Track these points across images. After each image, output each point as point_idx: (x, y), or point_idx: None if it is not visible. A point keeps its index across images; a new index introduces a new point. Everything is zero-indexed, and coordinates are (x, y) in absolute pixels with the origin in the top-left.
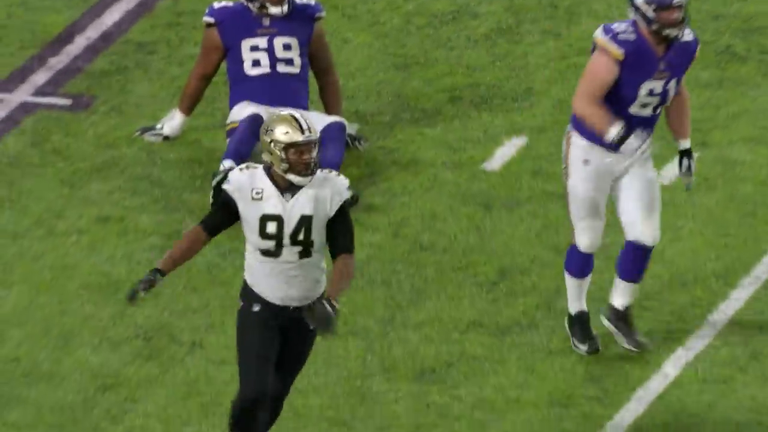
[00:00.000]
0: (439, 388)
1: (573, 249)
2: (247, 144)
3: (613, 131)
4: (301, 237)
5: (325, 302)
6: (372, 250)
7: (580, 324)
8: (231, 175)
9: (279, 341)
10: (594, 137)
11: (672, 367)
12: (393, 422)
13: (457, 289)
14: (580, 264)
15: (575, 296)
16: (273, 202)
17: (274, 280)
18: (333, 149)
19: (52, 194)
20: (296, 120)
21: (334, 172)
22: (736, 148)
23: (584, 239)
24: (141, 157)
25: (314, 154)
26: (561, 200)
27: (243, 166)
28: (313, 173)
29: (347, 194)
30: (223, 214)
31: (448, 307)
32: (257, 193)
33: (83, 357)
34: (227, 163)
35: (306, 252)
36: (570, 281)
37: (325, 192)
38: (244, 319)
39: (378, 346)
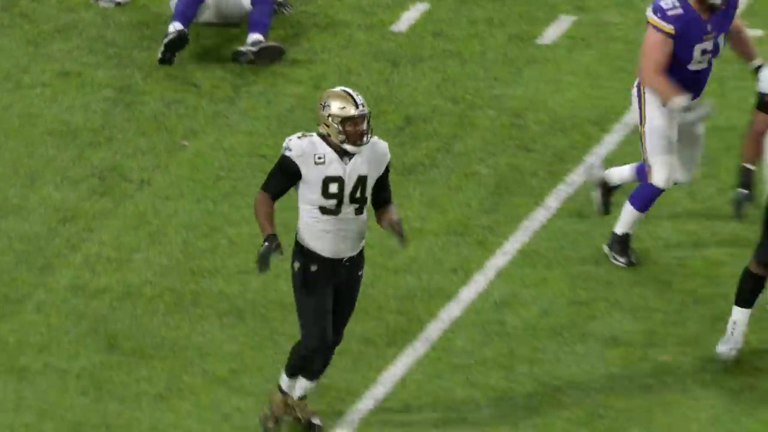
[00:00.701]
0: None
1: (645, 185)
2: (192, 7)
3: (678, 101)
4: (358, 195)
5: (399, 223)
6: (295, 100)
7: (623, 244)
8: (292, 143)
9: (332, 294)
10: None
11: (554, 200)
12: None
13: None
14: (646, 200)
15: (627, 224)
16: (334, 165)
17: (331, 236)
18: (261, 12)
19: (20, 52)
20: (350, 95)
21: (376, 137)
22: (609, 11)
23: (662, 174)
24: (97, 20)
25: (366, 125)
26: (458, 57)
27: (300, 134)
28: (366, 142)
29: (389, 156)
30: (285, 178)
31: None
32: (319, 158)
33: (47, 193)
34: (176, 25)
35: (360, 209)
36: (630, 212)
37: (374, 155)
38: (303, 278)
39: None
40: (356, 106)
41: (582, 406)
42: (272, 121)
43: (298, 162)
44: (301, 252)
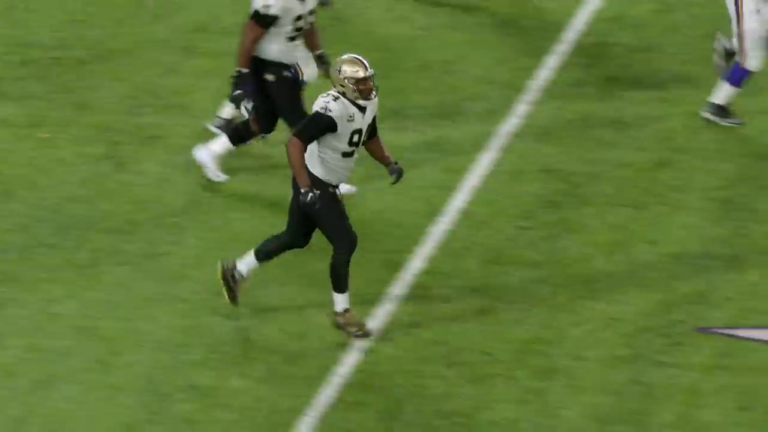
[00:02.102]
0: None
1: (740, 67)
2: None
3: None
4: (365, 139)
5: (398, 165)
6: None
7: (723, 110)
8: (331, 105)
9: None
10: None
11: None
12: None
13: None
14: (742, 79)
15: (727, 98)
16: (358, 119)
17: (344, 171)
18: None
19: None
20: (360, 60)
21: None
22: None
23: (755, 63)
24: None
25: (373, 83)
26: None
27: (331, 96)
28: (375, 96)
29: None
30: (324, 130)
31: None
32: (351, 116)
33: None
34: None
35: (357, 150)
36: (728, 89)
37: (372, 104)
38: (327, 199)
39: None
40: (366, 68)
41: None
42: None
43: (338, 121)
44: (320, 183)
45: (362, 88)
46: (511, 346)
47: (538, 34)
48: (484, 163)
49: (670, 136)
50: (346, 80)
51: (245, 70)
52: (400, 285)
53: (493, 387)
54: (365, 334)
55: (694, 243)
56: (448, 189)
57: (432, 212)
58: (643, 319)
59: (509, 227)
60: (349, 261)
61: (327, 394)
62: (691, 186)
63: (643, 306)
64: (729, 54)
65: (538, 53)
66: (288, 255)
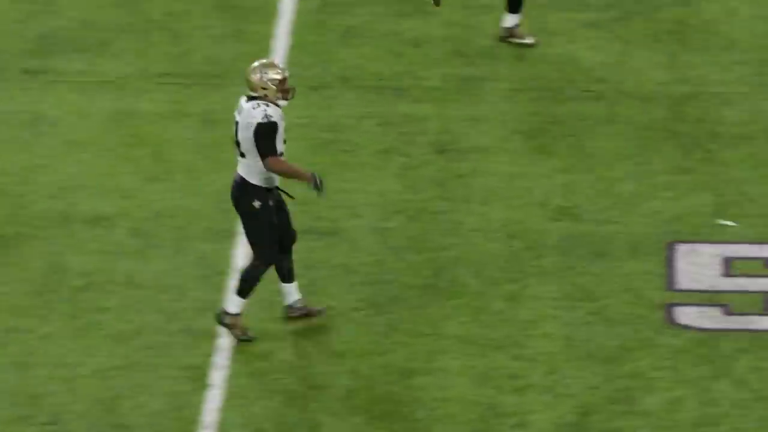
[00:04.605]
0: None
1: None
2: None
3: None
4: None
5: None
6: None
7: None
8: (270, 111)
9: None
10: None
11: None
12: None
13: None
14: None
15: None
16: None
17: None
18: None
19: None
20: (275, 63)
21: None
22: None
23: None
24: None
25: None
26: None
27: (261, 105)
28: (293, 96)
29: None
30: (277, 137)
31: None
32: (282, 118)
33: None
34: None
35: None
36: None
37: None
38: (265, 212)
39: None
40: (283, 69)
41: None
42: None
43: (279, 123)
44: (259, 192)
45: (284, 89)
46: None
47: None
48: None
49: None
50: (269, 82)
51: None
52: None
53: None
54: (248, 338)
55: None
56: None
57: None
58: None
59: None
60: (264, 273)
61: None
62: None
63: None
64: None
65: None
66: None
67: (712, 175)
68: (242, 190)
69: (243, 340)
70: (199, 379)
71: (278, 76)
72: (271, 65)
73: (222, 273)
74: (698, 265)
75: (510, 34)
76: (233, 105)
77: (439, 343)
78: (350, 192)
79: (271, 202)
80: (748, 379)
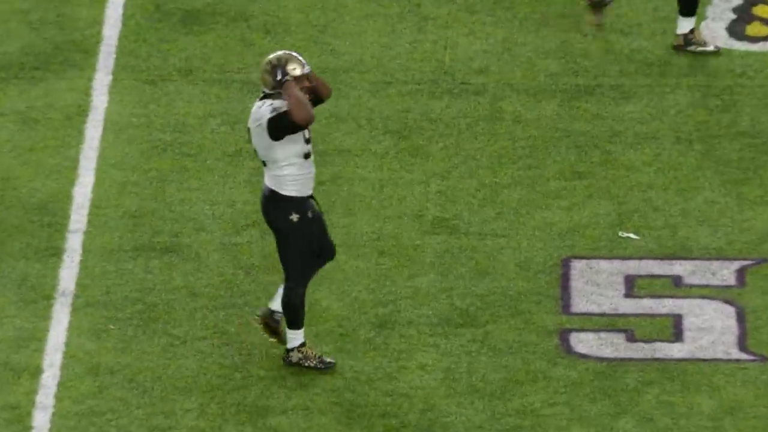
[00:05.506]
0: None
1: None
2: None
3: None
4: (309, 135)
5: None
6: None
7: None
8: (278, 104)
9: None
10: None
11: None
12: None
13: None
14: None
15: None
16: None
17: (312, 176)
18: None
19: None
20: (296, 55)
21: None
22: None
23: None
24: None
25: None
26: None
27: (270, 100)
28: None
29: None
30: (287, 127)
31: None
32: None
33: None
34: None
35: (312, 150)
36: None
37: None
38: (303, 226)
39: None
40: (304, 65)
41: None
42: None
43: None
44: (294, 203)
45: (303, 87)
46: None
47: None
48: None
49: None
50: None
51: None
52: None
53: None
54: (329, 365)
55: None
56: None
57: None
58: None
59: None
60: (304, 293)
61: None
62: None
63: None
64: None
65: None
66: None
67: (611, 180)
68: (274, 204)
69: (324, 368)
70: (19, 420)
71: (299, 72)
72: (292, 58)
73: (48, 297)
74: (597, 285)
75: (685, 41)
76: (55, 101)
77: (299, 377)
78: (194, 202)
79: (310, 214)
80: (654, 415)
